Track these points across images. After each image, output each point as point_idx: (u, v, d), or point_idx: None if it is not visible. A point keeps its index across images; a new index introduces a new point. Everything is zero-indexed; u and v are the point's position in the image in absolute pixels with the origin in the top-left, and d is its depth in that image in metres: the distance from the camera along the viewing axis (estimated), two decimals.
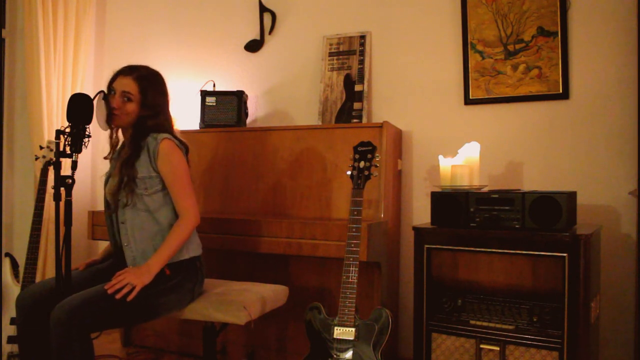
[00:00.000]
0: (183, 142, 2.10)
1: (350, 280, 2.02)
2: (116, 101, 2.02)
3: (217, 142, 2.93)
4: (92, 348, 1.74)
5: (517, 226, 2.03)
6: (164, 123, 2.09)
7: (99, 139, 2.29)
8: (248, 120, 3.10)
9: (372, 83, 2.92)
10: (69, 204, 1.71)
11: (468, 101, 2.70)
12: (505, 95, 2.62)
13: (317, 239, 2.31)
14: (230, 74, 3.29)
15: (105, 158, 2.21)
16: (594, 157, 2.46)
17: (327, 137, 2.67)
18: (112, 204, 2.04)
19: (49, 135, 3.11)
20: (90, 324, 1.73)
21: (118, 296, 1.79)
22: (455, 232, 2.13)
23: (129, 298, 1.80)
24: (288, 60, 3.15)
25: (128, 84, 2.03)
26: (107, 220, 2.12)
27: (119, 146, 2.17)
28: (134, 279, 1.84)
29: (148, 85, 2.06)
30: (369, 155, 2.14)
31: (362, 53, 2.92)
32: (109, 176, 2.13)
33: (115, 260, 2.11)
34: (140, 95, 2.04)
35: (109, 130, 2.13)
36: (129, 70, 2.07)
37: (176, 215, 2.04)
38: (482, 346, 2.05)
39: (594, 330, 2.13)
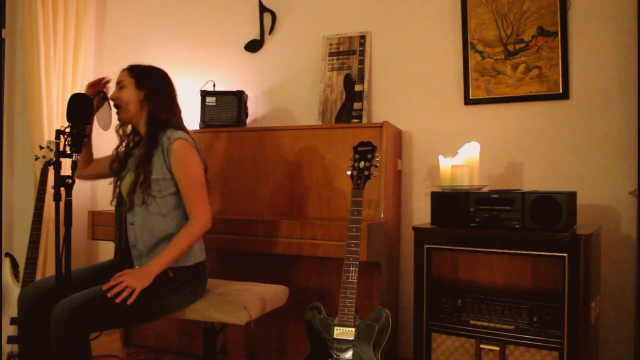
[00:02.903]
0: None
1: (350, 280, 2.02)
2: (113, 93, 2.03)
3: (217, 142, 2.93)
4: (90, 348, 1.73)
5: (517, 226, 2.03)
6: (170, 115, 2.05)
7: (99, 138, 2.28)
8: (248, 120, 3.10)
9: (372, 83, 2.92)
10: (69, 204, 1.70)
11: (468, 101, 2.70)
12: (505, 95, 2.62)
13: (317, 239, 2.31)
14: (230, 74, 3.29)
15: (117, 149, 2.15)
16: (594, 157, 2.46)
17: (327, 137, 2.67)
18: (128, 203, 2.00)
19: (49, 135, 3.11)
20: (91, 324, 1.73)
21: (118, 300, 1.76)
22: (455, 232, 2.13)
23: (129, 301, 1.78)
24: (288, 60, 3.15)
25: (122, 75, 2.07)
26: (116, 218, 2.10)
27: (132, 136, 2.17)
28: (133, 281, 1.81)
29: (141, 72, 2.07)
30: (369, 155, 2.14)
31: (362, 53, 2.92)
32: (126, 172, 2.09)
33: (118, 258, 2.10)
34: (133, 79, 2.04)
35: (117, 124, 2.13)
36: (127, 66, 2.10)
37: (187, 220, 2.00)
38: (482, 346, 2.05)
39: (594, 330, 2.13)
